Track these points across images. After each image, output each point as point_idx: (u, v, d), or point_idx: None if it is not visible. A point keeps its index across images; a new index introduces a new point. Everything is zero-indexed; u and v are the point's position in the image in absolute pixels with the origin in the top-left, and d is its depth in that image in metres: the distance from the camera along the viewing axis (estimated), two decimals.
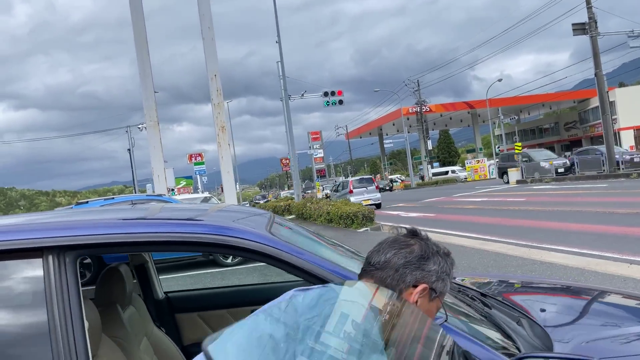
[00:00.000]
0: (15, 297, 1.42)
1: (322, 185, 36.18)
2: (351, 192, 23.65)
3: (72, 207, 9.98)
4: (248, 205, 23.18)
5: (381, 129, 68.16)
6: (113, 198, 10.18)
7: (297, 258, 1.51)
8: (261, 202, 41.94)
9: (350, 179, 27.08)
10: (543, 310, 1.95)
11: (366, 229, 14.46)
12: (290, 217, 23.66)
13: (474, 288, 2.24)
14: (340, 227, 15.61)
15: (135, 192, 27.93)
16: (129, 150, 38.91)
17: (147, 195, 10.45)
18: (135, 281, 2.80)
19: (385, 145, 67.44)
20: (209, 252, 1.71)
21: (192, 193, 25.66)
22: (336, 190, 26.17)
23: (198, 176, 30.68)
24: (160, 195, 11.37)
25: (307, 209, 20.15)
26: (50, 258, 1.43)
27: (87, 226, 1.54)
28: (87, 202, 9.95)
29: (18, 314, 1.42)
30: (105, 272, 2.37)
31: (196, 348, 2.88)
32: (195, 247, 1.53)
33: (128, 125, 38.54)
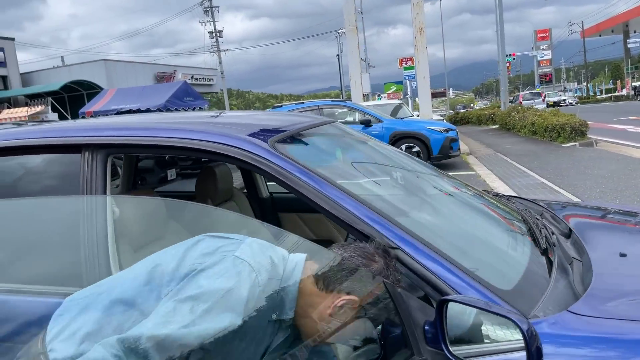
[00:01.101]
0: (58, 186, 1.73)
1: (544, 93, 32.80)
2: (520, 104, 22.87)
3: (271, 109, 11.10)
4: (442, 117, 22.30)
5: (627, 25, 56.43)
6: (303, 103, 10.95)
7: (298, 180, 1.43)
8: (461, 111, 40.00)
9: (520, 92, 26.74)
10: (623, 255, 1.53)
11: (574, 144, 12.73)
12: (494, 126, 22.14)
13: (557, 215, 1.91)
14: (545, 139, 14.08)
15: (342, 98, 29.33)
16: (337, 55, 40.50)
17: (332, 101, 10.92)
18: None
19: (630, 46, 56.09)
20: (203, 158, 1.75)
21: (374, 100, 25.77)
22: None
23: (408, 81, 30.31)
24: (344, 101, 11.76)
25: (512, 119, 18.56)
26: (86, 154, 1.67)
27: (115, 128, 1.73)
28: (281, 105, 10.95)
29: (59, 198, 1.73)
30: (202, 170, 2.68)
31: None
32: (188, 152, 1.59)
33: (337, 30, 39.68)
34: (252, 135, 1.59)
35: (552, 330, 1.11)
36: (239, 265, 1.11)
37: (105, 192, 1.68)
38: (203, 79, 36.82)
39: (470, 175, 9.20)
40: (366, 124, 10.15)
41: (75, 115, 21.41)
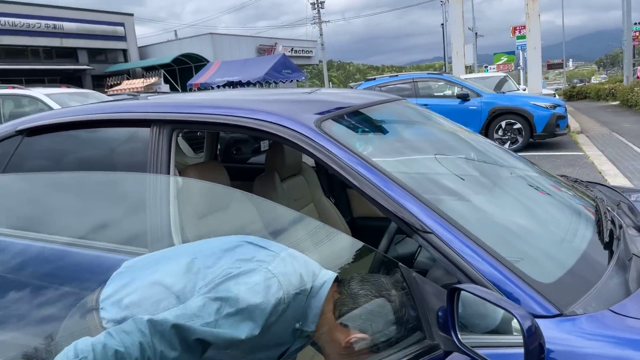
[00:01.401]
0: (134, 156, 1.88)
1: None
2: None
3: (361, 84, 10.99)
4: (553, 92, 20.43)
5: None
6: (397, 75, 10.68)
7: (337, 160, 1.42)
8: (578, 85, 36.48)
9: None
10: None
11: None
12: (614, 103, 20.08)
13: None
14: None
15: (445, 70, 28.15)
16: (442, 25, 38.79)
17: (428, 74, 10.51)
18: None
19: None
20: (251, 135, 1.76)
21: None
22: None
23: (520, 52, 28.04)
24: (441, 74, 11.29)
25: (635, 95, 16.69)
26: (154, 129, 1.80)
27: (177, 105, 1.83)
28: (374, 78, 10.79)
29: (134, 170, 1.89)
30: (271, 145, 2.75)
31: (363, 222, 3.12)
32: (236, 129, 1.63)
33: None
34: (299, 113, 1.60)
35: (584, 328, 1.03)
36: (270, 280, 1.15)
37: (169, 163, 1.80)
38: (303, 51, 37.32)
39: (577, 157, 8.46)
40: (463, 98, 9.67)
41: (184, 87, 22.86)
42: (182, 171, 2.07)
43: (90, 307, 1.32)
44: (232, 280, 1.15)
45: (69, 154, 2.16)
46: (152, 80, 23.14)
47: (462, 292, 1.00)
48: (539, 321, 1.02)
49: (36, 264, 1.80)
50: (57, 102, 7.60)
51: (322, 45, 39.61)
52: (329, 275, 1.23)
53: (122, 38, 30.11)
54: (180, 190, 1.83)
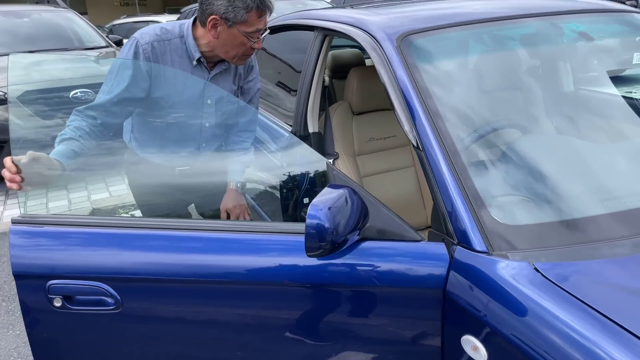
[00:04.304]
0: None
1: None
2: None
3: None
4: None
5: None
6: None
7: (395, 87, 1.44)
8: None
9: None
10: None
11: None
12: None
13: None
14: None
15: None
16: None
17: None
18: None
19: None
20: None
21: None
22: None
23: None
24: None
25: None
26: (316, 34, 2.18)
27: (327, 17, 2.11)
28: None
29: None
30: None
31: None
32: (344, 35, 1.86)
33: None
34: (395, 25, 1.63)
35: (491, 268, 1.07)
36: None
37: (316, 64, 2.16)
38: None
39: None
40: None
41: None
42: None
43: None
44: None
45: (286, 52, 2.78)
46: None
47: None
48: (466, 252, 1.12)
49: None
50: None
51: None
52: None
53: None
54: None
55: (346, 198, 1.16)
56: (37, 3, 6.67)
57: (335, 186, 1.20)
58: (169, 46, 1.71)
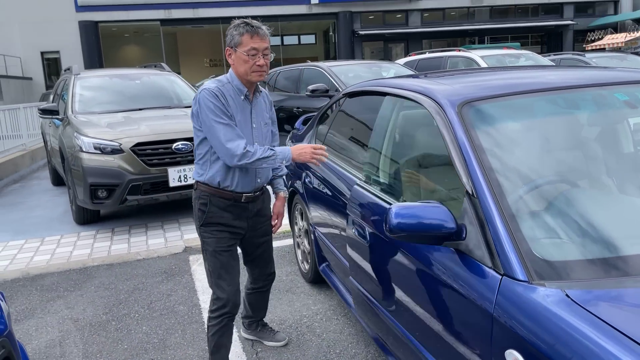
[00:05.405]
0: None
1: None
2: None
3: None
4: None
5: None
6: None
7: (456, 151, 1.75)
8: None
9: None
10: None
11: None
12: None
13: None
14: None
15: None
16: None
17: None
18: None
19: None
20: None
21: None
22: None
23: None
24: None
25: None
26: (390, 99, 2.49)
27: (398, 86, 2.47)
28: None
29: None
30: None
31: None
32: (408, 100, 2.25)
33: None
34: (457, 94, 1.95)
35: (530, 296, 1.33)
36: None
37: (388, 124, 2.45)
38: None
39: None
40: None
41: None
42: None
43: None
44: None
45: (361, 113, 3.00)
46: (636, 34, 19.09)
47: None
48: (510, 280, 1.39)
49: None
50: (487, 62, 8.66)
51: None
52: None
53: None
54: None
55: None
56: (144, 67, 7.50)
57: None
58: (225, 90, 2.31)
